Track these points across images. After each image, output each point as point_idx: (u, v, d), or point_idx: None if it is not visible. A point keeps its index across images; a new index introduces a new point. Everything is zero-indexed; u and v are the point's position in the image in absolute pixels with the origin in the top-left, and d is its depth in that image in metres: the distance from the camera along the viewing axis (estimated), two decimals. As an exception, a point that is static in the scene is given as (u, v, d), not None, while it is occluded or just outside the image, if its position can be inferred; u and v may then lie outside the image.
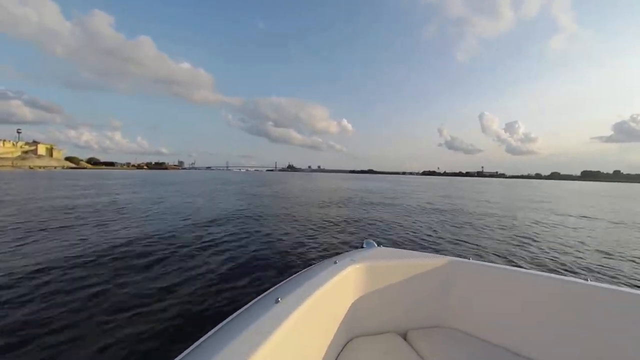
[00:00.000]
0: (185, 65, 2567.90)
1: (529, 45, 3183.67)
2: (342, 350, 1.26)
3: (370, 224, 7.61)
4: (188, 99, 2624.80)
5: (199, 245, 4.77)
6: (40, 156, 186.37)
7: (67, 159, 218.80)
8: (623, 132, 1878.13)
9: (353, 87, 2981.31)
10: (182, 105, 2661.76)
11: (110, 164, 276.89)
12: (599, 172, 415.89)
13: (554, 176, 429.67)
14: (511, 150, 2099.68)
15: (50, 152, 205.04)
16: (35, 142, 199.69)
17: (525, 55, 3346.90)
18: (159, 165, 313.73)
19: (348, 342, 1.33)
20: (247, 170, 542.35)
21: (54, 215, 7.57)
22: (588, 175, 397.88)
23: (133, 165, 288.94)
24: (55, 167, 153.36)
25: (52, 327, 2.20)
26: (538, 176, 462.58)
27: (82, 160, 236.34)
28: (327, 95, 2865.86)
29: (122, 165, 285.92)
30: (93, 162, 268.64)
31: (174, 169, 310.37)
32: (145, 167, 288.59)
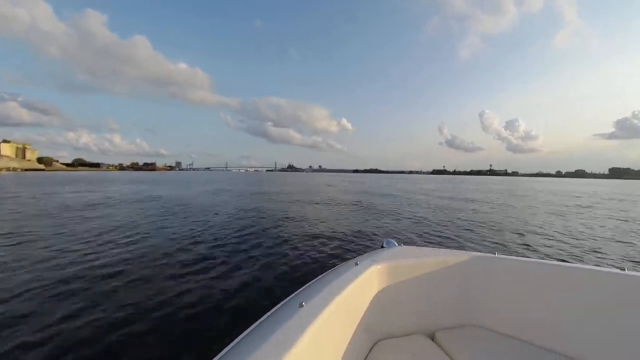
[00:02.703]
0: (182, 65, 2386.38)
1: (530, 42, 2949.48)
2: (368, 354, 1.23)
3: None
4: (187, 100, 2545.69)
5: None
6: (1, 157, 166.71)
7: (40, 159, 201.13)
8: (625, 129, 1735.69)
9: (352, 86, 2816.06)
10: (181, 106, 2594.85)
11: (96, 165, 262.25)
12: (629, 169, 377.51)
13: (579, 174, 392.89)
14: (512, 148, 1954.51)
15: (22, 152, 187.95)
16: (6, 141, 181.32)
17: (527, 52, 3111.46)
18: (148, 166, 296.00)
19: (374, 345, 1.29)
20: (247, 170, 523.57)
21: None
22: (617, 173, 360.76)
23: (119, 167, 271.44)
24: (1, 170, 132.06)
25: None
26: (559, 174, 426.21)
27: (56, 161, 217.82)
28: (326, 95, 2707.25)
29: (107, 166, 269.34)
30: (79, 163, 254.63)
31: (164, 170, 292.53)
32: (130, 168, 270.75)
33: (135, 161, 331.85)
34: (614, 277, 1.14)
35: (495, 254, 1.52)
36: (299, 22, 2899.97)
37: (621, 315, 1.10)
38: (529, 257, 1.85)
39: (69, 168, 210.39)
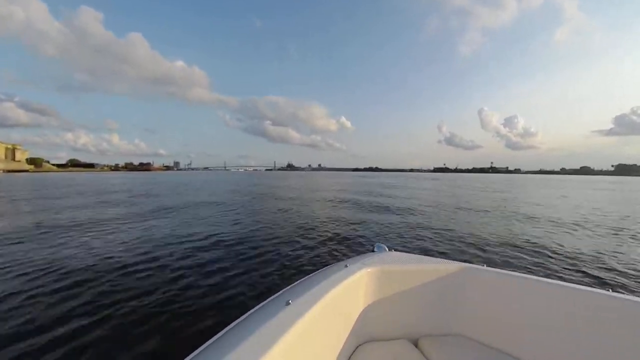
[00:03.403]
0: (180, 63, 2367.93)
1: (530, 39, 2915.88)
2: (351, 355, 1.24)
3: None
4: (185, 99, 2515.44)
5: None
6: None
7: (30, 160, 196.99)
8: (624, 125, 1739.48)
9: (351, 85, 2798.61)
10: (179, 105, 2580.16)
11: (90, 166, 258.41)
12: (635, 165, 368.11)
13: (584, 171, 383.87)
14: (511, 145, 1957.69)
15: (12, 153, 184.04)
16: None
17: (527, 50, 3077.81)
18: (143, 166, 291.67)
19: (358, 347, 1.30)
20: (246, 170, 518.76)
21: None
22: (623, 170, 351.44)
23: (113, 167, 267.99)
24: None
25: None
26: (563, 171, 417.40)
27: (47, 162, 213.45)
28: (325, 93, 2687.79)
29: (102, 167, 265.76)
30: (73, 164, 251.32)
31: (159, 170, 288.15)
32: (124, 168, 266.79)
33: (134, 161, 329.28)
34: (599, 297, 1.15)
35: (484, 265, 1.54)
36: (297, 20, 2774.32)
37: (605, 335, 1.10)
38: (518, 271, 1.95)
39: (60, 169, 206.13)
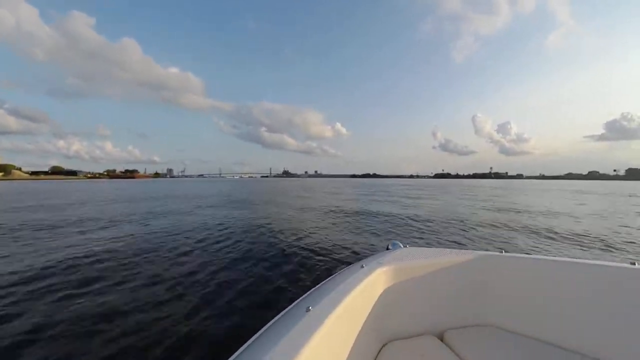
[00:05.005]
0: (174, 69, 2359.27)
1: (522, 45, 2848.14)
2: (377, 356, 1.22)
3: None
4: (179, 105, 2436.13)
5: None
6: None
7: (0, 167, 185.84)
8: (614, 131, 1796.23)
9: (349, 86, 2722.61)
10: (173, 112, 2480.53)
11: (73, 173, 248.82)
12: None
13: (592, 176, 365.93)
14: (504, 151, 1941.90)
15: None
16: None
17: (518, 55, 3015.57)
18: (127, 174, 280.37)
19: (383, 346, 1.28)
20: (241, 177, 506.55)
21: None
22: (635, 174, 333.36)
23: (92, 175, 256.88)
24: None
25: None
26: (569, 176, 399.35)
27: (18, 169, 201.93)
28: (323, 95, 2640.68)
29: (85, 174, 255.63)
30: (54, 171, 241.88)
31: (146, 177, 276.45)
32: (106, 176, 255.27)
33: (128, 168, 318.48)
34: (625, 271, 1.11)
35: (502, 252, 1.51)
36: (295, 21, 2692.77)
37: (635, 311, 1.06)
38: (536, 254, 2.02)
39: (32, 177, 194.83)
